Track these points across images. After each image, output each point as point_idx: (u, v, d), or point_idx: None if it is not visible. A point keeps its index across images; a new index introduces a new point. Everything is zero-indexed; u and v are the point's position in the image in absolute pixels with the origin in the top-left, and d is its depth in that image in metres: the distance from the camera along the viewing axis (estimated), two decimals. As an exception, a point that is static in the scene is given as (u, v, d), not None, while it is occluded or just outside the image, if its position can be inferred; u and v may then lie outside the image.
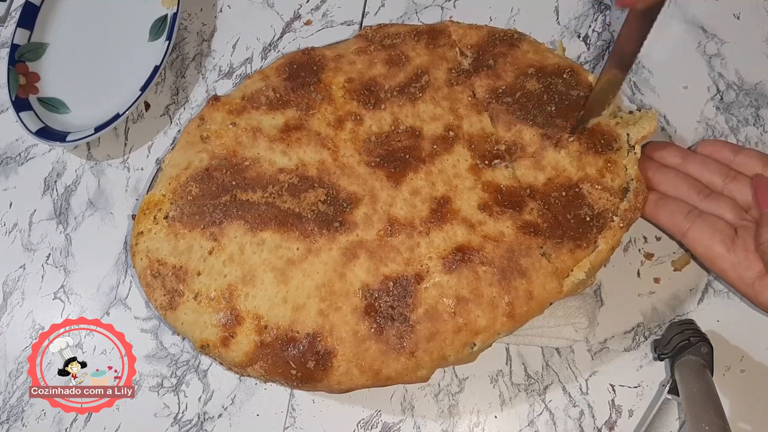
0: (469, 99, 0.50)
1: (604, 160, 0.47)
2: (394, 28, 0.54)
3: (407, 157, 0.49)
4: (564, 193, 0.47)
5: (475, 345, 0.45)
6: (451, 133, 0.49)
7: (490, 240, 0.46)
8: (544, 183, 0.47)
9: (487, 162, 0.48)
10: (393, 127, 0.50)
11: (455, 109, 0.50)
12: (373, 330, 0.45)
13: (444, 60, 0.52)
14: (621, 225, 0.46)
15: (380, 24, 0.55)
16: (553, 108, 0.49)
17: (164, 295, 0.47)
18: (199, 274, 0.47)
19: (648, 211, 0.48)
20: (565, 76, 0.50)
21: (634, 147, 0.48)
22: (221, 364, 0.48)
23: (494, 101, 0.50)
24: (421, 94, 0.51)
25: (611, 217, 0.46)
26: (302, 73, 0.52)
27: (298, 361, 0.45)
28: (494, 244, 0.46)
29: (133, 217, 0.51)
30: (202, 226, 0.48)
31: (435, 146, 0.49)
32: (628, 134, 0.48)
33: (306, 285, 0.46)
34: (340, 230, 0.47)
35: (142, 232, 0.49)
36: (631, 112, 0.49)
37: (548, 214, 0.46)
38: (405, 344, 0.44)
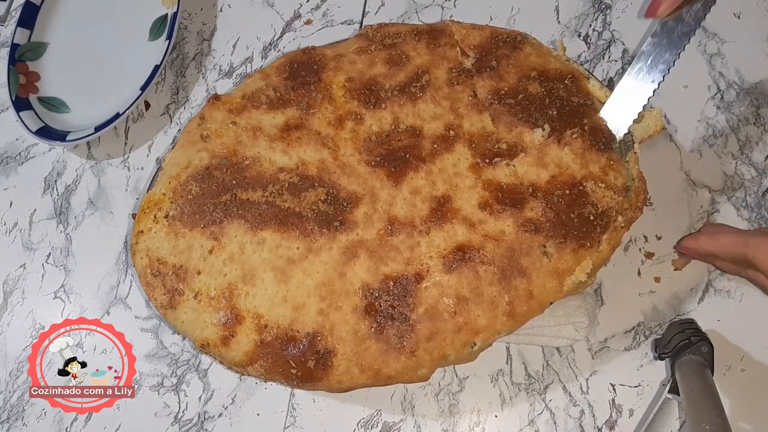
0: (470, 98, 0.50)
1: (606, 158, 0.47)
2: (395, 27, 0.54)
3: (407, 156, 0.49)
4: (567, 191, 0.46)
5: (475, 344, 0.45)
6: (452, 133, 0.49)
7: (491, 239, 0.46)
8: (547, 181, 0.47)
9: (487, 160, 0.48)
10: (393, 127, 0.50)
11: (456, 109, 0.50)
12: (373, 329, 0.45)
13: (445, 59, 0.52)
14: (622, 224, 0.46)
15: (381, 23, 0.55)
16: (555, 112, 0.49)
17: (164, 294, 0.47)
18: (199, 273, 0.47)
19: (704, 242, 0.48)
20: (566, 82, 0.50)
21: (634, 145, 0.48)
22: (221, 363, 0.48)
23: (496, 102, 0.50)
24: (421, 94, 0.51)
25: (615, 216, 0.46)
26: (303, 73, 0.52)
27: (298, 361, 0.45)
28: (495, 244, 0.45)
29: (134, 216, 0.51)
30: (202, 225, 0.48)
31: (435, 145, 0.49)
32: (631, 132, 0.48)
33: (306, 284, 0.46)
34: (340, 229, 0.47)
35: (142, 231, 0.49)
36: None
37: (551, 212, 0.46)
38: (405, 343, 0.44)
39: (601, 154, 0.47)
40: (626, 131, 0.48)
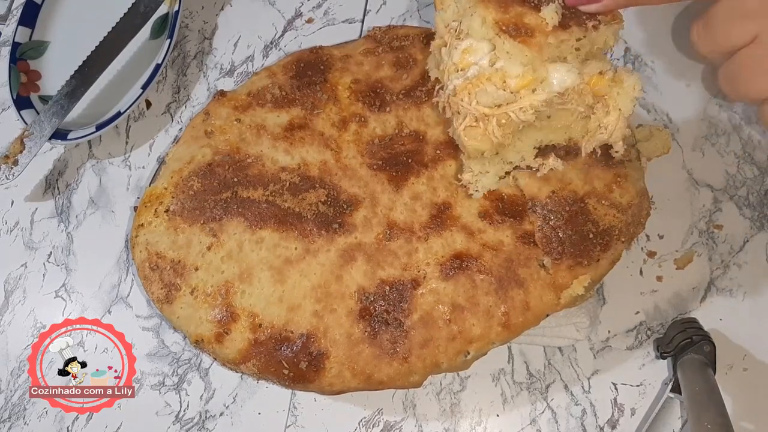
0: None
1: (614, 174, 0.45)
2: (404, 30, 0.54)
3: (410, 161, 0.49)
4: (568, 208, 0.45)
5: (468, 353, 0.45)
6: None
7: (489, 249, 0.45)
8: (548, 195, 0.45)
9: None
10: (397, 131, 0.50)
11: None
12: (367, 333, 0.45)
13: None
14: (622, 240, 0.45)
15: (390, 25, 0.55)
16: (562, 2, 0.39)
17: (161, 288, 0.47)
18: (196, 269, 0.47)
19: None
20: None
21: (641, 161, 0.47)
22: (215, 359, 0.48)
23: None
24: (427, 98, 0.50)
25: (617, 234, 0.44)
26: (309, 72, 0.52)
27: (290, 362, 0.45)
28: (493, 253, 0.45)
29: (135, 209, 0.51)
30: (202, 222, 0.48)
31: (438, 151, 0.49)
32: (638, 150, 0.47)
33: (302, 285, 0.46)
34: (339, 232, 0.47)
35: (142, 225, 0.49)
36: (641, 125, 0.48)
37: (548, 228, 0.45)
38: (398, 349, 0.44)
39: (608, 169, 0.45)
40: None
